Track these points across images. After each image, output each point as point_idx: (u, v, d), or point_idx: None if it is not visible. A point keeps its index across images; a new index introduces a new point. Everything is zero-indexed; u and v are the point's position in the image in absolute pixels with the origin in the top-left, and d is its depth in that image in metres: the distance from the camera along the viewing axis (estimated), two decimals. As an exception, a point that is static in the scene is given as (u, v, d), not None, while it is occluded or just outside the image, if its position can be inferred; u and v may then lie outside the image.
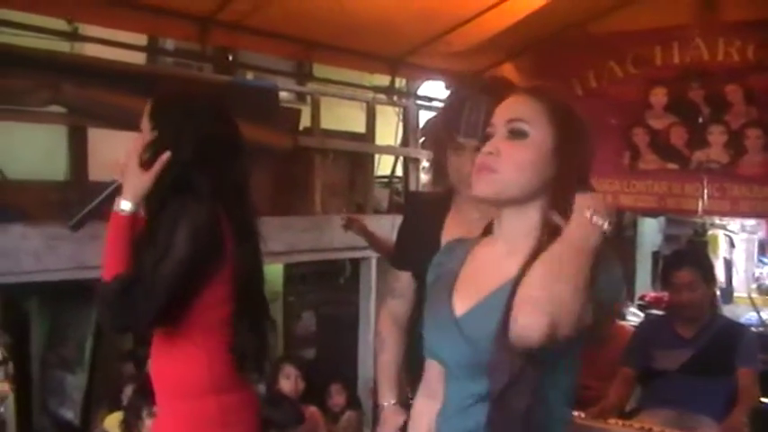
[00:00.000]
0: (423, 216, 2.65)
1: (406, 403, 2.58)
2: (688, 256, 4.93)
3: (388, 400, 2.70)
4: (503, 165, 1.65)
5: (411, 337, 2.64)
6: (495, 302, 1.61)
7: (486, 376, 1.59)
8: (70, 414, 5.58)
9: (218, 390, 2.42)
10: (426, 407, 1.88)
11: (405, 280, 2.69)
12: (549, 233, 1.62)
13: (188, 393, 2.43)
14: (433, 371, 1.87)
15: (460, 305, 1.72)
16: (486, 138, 1.71)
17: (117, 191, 2.37)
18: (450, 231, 2.42)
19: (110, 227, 2.34)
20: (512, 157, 1.65)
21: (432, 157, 2.70)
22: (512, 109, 1.69)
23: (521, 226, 1.69)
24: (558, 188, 1.65)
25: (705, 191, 5.40)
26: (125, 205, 2.33)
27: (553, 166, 1.65)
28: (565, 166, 1.66)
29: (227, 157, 2.49)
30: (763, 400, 4.51)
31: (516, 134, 1.66)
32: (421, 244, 2.43)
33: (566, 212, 1.60)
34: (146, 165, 2.34)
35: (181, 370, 2.42)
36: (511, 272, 1.61)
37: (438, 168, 2.54)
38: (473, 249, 1.80)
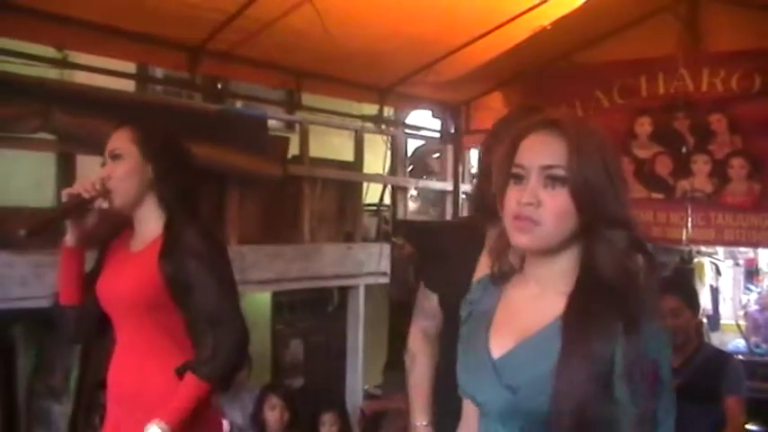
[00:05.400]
0: (457, 244, 2.65)
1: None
2: (672, 283, 4.95)
3: (420, 420, 2.71)
4: (545, 216, 1.60)
5: (441, 356, 2.68)
6: (533, 347, 1.61)
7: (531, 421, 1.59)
8: (56, 443, 5.54)
9: None
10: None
11: (435, 300, 2.70)
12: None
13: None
14: (471, 409, 1.82)
15: (498, 347, 1.67)
16: (515, 178, 1.65)
17: (79, 206, 2.48)
18: (485, 265, 2.41)
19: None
20: (554, 208, 1.59)
21: (477, 184, 2.74)
22: (546, 153, 1.62)
23: (554, 269, 1.66)
24: (589, 233, 1.61)
25: (690, 220, 5.44)
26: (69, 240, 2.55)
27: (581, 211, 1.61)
28: (593, 209, 1.60)
29: (200, 179, 2.72)
30: (750, 427, 4.53)
31: (554, 181, 1.60)
32: (453, 272, 2.44)
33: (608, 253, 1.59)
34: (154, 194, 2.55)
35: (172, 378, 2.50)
36: (546, 315, 1.62)
37: (482, 197, 2.47)
38: (506, 289, 1.75)
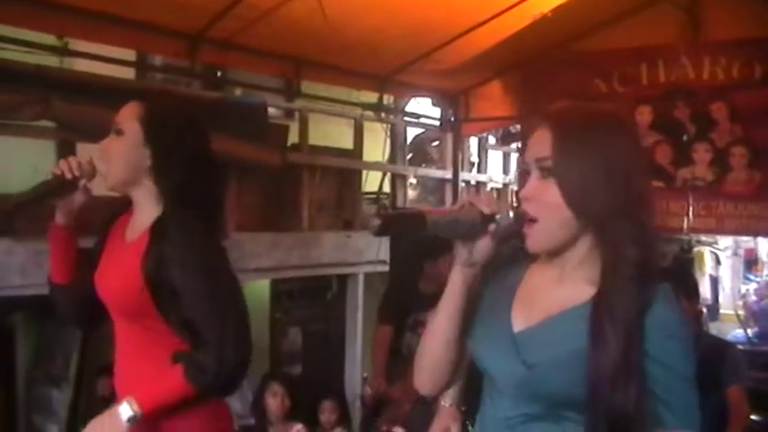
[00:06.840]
0: None
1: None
2: (669, 272, 4.94)
3: (446, 400, 2.73)
4: (540, 211, 1.60)
5: None
6: (556, 327, 1.61)
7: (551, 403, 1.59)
8: (55, 429, 5.54)
9: None
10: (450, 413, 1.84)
11: None
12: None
13: None
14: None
15: (519, 322, 1.67)
16: (525, 174, 1.65)
17: (61, 187, 2.35)
18: None
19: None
20: (546, 200, 1.59)
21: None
22: (539, 146, 1.61)
23: (571, 256, 1.64)
24: (604, 222, 1.58)
25: (690, 209, 5.44)
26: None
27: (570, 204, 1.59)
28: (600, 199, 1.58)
29: (213, 171, 2.48)
30: (753, 417, 4.53)
31: (545, 173, 1.59)
32: None
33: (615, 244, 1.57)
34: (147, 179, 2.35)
35: None
36: (569, 299, 1.61)
37: None
38: (531, 268, 1.74)
